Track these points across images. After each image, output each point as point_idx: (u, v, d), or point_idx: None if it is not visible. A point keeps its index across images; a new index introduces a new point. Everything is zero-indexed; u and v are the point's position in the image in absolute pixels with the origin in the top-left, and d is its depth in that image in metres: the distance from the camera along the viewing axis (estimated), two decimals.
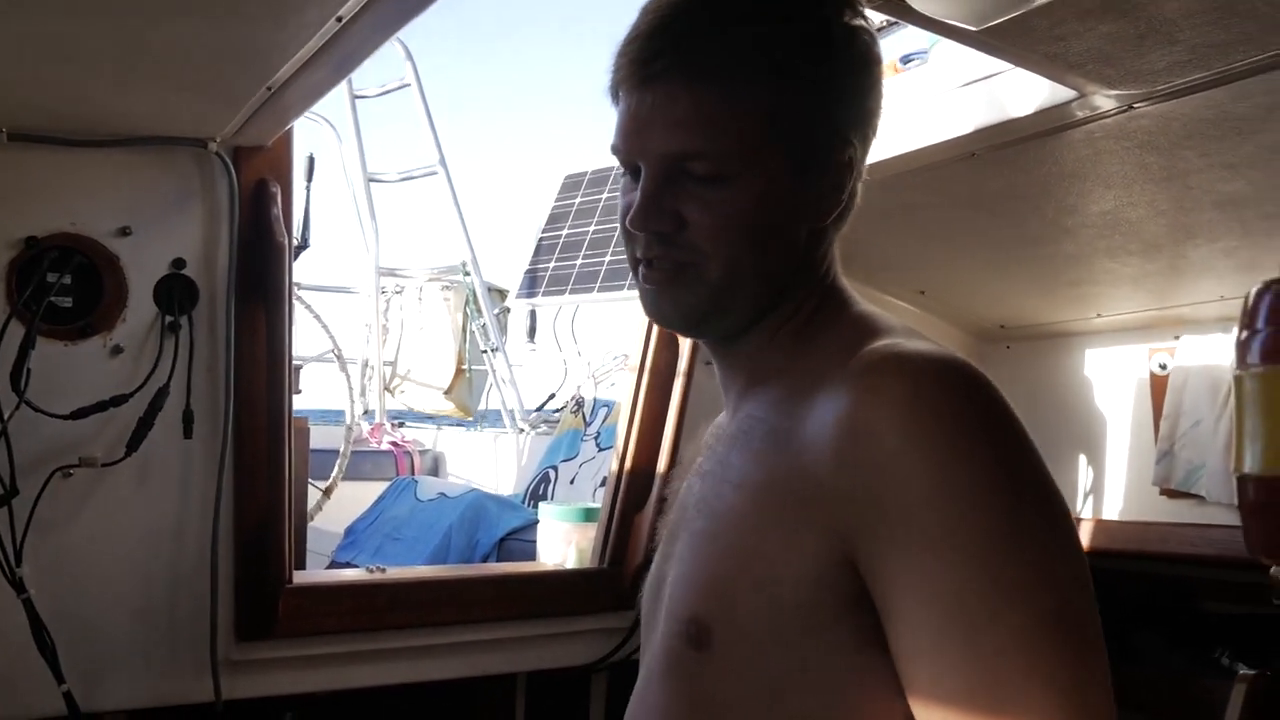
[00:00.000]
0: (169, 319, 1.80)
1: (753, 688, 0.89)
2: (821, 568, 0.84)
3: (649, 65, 0.92)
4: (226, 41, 1.38)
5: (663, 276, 0.97)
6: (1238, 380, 0.50)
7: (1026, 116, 1.61)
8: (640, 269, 0.99)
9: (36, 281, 1.70)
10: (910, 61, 1.91)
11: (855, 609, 0.84)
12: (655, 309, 1.00)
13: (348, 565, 3.92)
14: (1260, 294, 0.48)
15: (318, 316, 4.45)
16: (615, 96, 0.97)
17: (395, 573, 2.17)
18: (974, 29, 1.20)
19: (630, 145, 0.96)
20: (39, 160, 1.71)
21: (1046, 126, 1.64)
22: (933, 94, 1.78)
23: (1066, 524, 0.84)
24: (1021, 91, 1.58)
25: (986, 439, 0.82)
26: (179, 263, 1.82)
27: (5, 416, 1.64)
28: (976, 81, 1.69)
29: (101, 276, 1.76)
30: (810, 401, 0.89)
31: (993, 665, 0.77)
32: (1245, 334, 0.50)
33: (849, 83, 0.96)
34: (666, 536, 1.08)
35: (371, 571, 2.14)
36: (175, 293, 1.81)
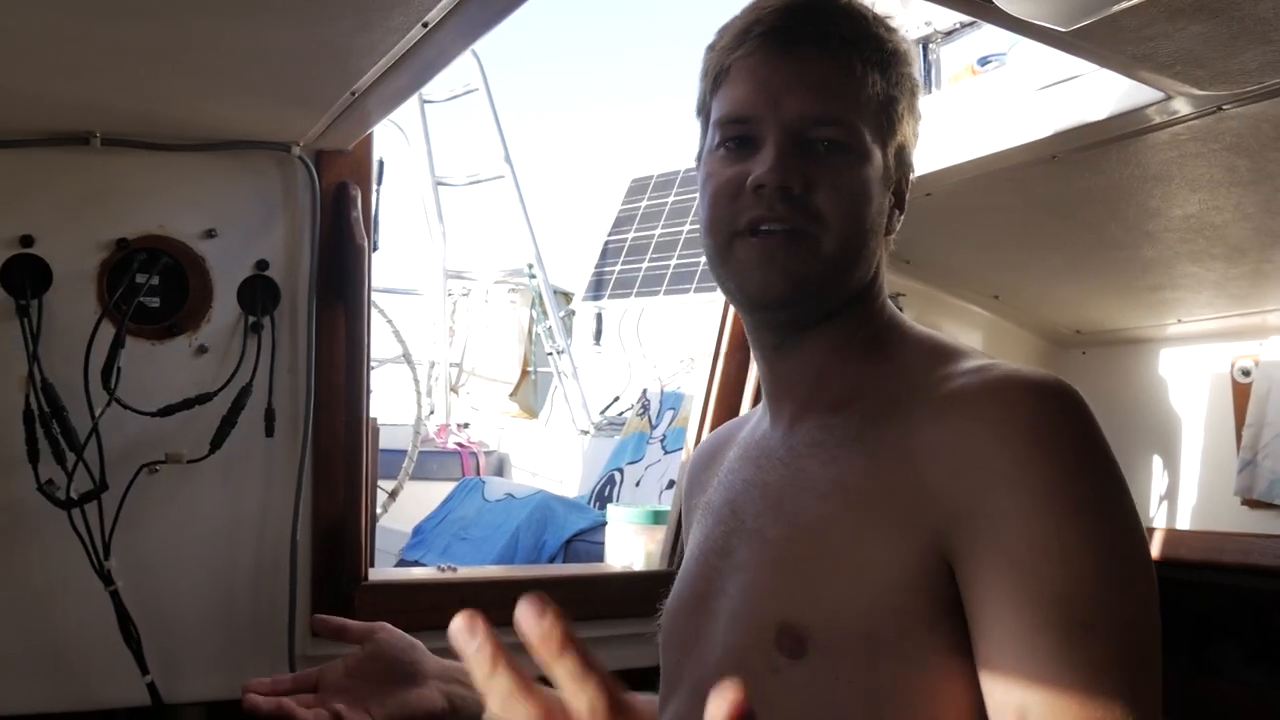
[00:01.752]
0: (252, 319, 1.84)
1: (853, 691, 0.89)
2: (920, 573, 0.87)
3: (789, 34, 0.96)
4: (312, 46, 1.40)
5: (779, 241, 0.96)
6: None
7: (1110, 119, 1.58)
8: (747, 237, 0.97)
9: (126, 283, 1.74)
10: (988, 64, 1.90)
11: (951, 614, 0.86)
12: (762, 276, 0.98)
13: (416, 564, 3.97)
14: None
15: (388, 318, 4.51)
16: (725, 73, 0.99)
17: (466, 572, 2.19)
18: (1063, 29, 1.18)
19: (761, 108, 0.96)
20: (129, 164, 1.76)
21: (1130, 129, 1.61)
22: (1012, 96, 1.76)
23: (1145, 545, 0.89)
24: (1105, 93, 1.56)
25: (1096, 461, 0.88)
26: (262, 264, 1.86)
27: (97, 414, 1.69)
28: (1058, 83, 1.67)
29: (188, 277, 1.81)
30: (904, 416, 0.92)
31: (1082, 677, 0.78)
32: None
33: (919, 107, 1.06)
34: (710, 550, 1.06)
35: (443, 570, 2.17)
36: (258, 293, 1.85)
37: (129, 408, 1.72)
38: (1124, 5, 1.14)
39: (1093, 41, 1.27)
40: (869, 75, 0.97)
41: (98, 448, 1.70)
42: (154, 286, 1.78)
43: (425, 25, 1.28)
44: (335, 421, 1.89)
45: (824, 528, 0.93)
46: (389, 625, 1.38)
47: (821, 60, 0.96)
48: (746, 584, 0.98)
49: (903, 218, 1.06)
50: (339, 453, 1.89)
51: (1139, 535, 0.88)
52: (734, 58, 0.98)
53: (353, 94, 1.56)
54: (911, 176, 1.06)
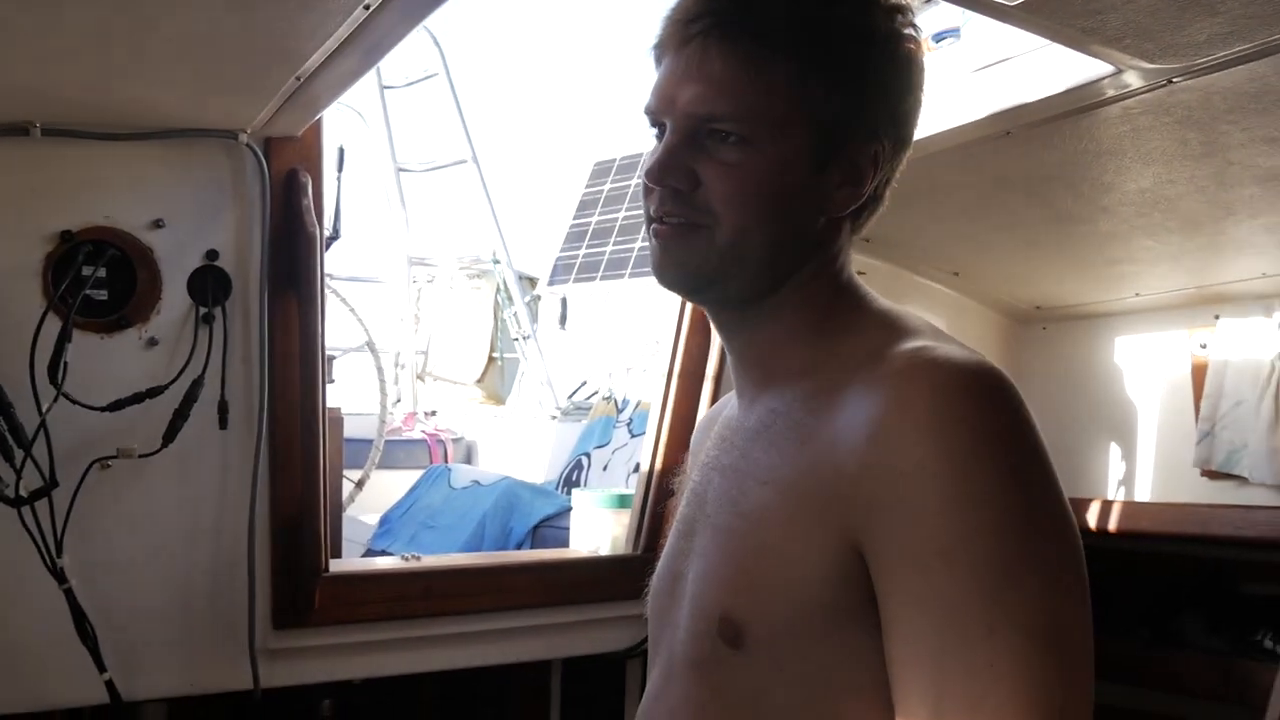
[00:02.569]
0: (203, 310, 1.81)
1: (788, 685, 0.89)
2: (842, 568, 0.85)
3: (688, 26, 0.94)
4: (255, 32, 1.38)
5: (671, 234, 0.97)
6: None
7: (1062, 93, 1.58)
8: (652, 226, 0.98)
9: (72, 275, 1.71)
10: (942, 39, 1.89)
11: (873, 608, 0.84)
12: (659, 268, 0.99)
13: (383, 554, 3.95)
14: None
15: (350, 307, 4.47)
16: (658, 62, 0.99)
17: (430, 561, 2.17)
18: (1010, 4, 1.18)
19: (661, 103, 0.96)
20: (72, 155, 1.72)
21: (1083, 103, 1.61)
22: (965, 72, 1.76)
23: (1073, 542, 0.84)
24: (1057, 68, 1.56)
25: (1006, 454, 0.82)
26: (212, 254, 1.83)
27: (44, 409, 1.66)
28: (1010, 59, 1.66)
29: (136, 269, 1.78)
30: (839, 400, 0.89)
31: (983, 679, 0.77)
32: None
33: (886, 80, 0.96)
34: (681, 531, 1.06)
35: (407, 559, 2.15)
36: (209, 284, 1.82)
37: (77, 403, 1.69)
38: None
39: (1041, 15, 1.27)
40: (776, 63, 0.92)
41: (46, 444, 1.67)
42: (101, 279, 1.75)
43: (367, 7, 1.26)
44: (291, 412, 1.87)
45: (762, 517, 0.92)
46: None
47: (721, 52, 0.92)
48: (701, 571, 0.98)
49: (873, 185, 0.98)
50: (295, 443, 1.87)
51: (1055, 530, 0.82)
52: (657, 43, 0.98)
53: (298, 79, 1.53)
54: (876, 141, 0.96)
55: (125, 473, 1.76)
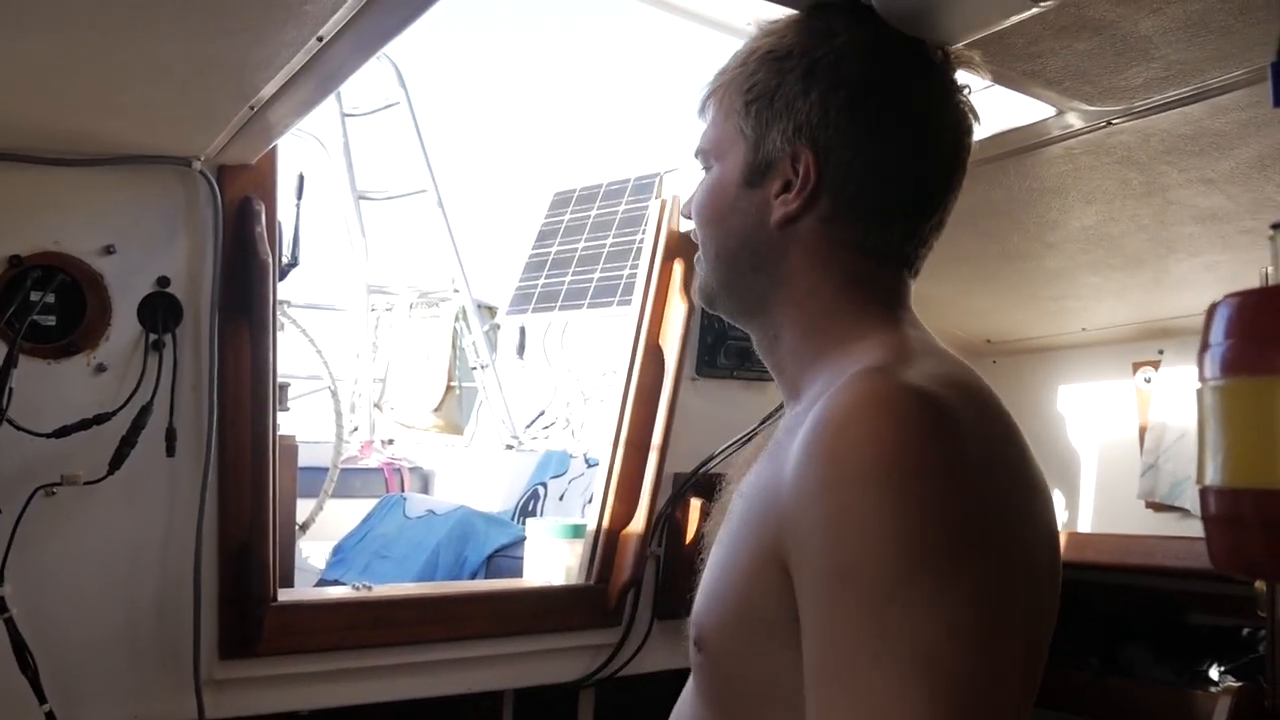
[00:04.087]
0: (153, 337, 1.80)
1: (739, 692, 0.94)
2: (774, 583, 0.87)
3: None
4: (207, 60, 1.38)
5: (695, 259, 1.12)
6: (1199, 394, 0.51)
7: (1005, 133, 1.62)
8: None
9: (20, 300, 1.69)
10: None
11: (797, 626, 0.86)
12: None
13: (335, 583, 3.90)
14: (1217, 308, 0.49)
15: (308, 335, 4.44)
16: None
17: (381, 590, 2.16)
18: (950, 46, 1.20)
19: None
20: (22, 179, 1.71)
21: (1026, 143, 1.65)
22: None
23: (983, 570, 0.81)
24: (1000, 108, 1.59)
25: (903, 481, 0.79)
26: (163, 280, 1.82)
27: None
28: None
29: (85, 295, 1.76)
30: (806, 419, 0.90)
31: (865, 708, 0.77)
32: (1204, 348, 0.51)
33: (798, 92, 1.02)
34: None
35: (357, 589, 2.14)
36: (159, 311, 1.81)
37: (22, 429, 1.67)
38: (1009, 22, 1.17)
39: (984, 57, 1.30)
40: (723, 100, 1.07)
41: None
42: (50, 304, 1.73)
43: (320, 39, 1.27)
44: (241, 440, 1.86)
45: (734, 532, 0.97)
46: None
47: (706, 101, 1.10)
48: (702, 580, 1.03)
49: (810, 190, 1.00)
50: (245, 471, 1.86)
51: (956, 556, 0.80)
52: None
53: (251, 108, 1.54)
54: (796, 146, 1.00)
55: (70, 500, 1.74)
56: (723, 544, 0.99)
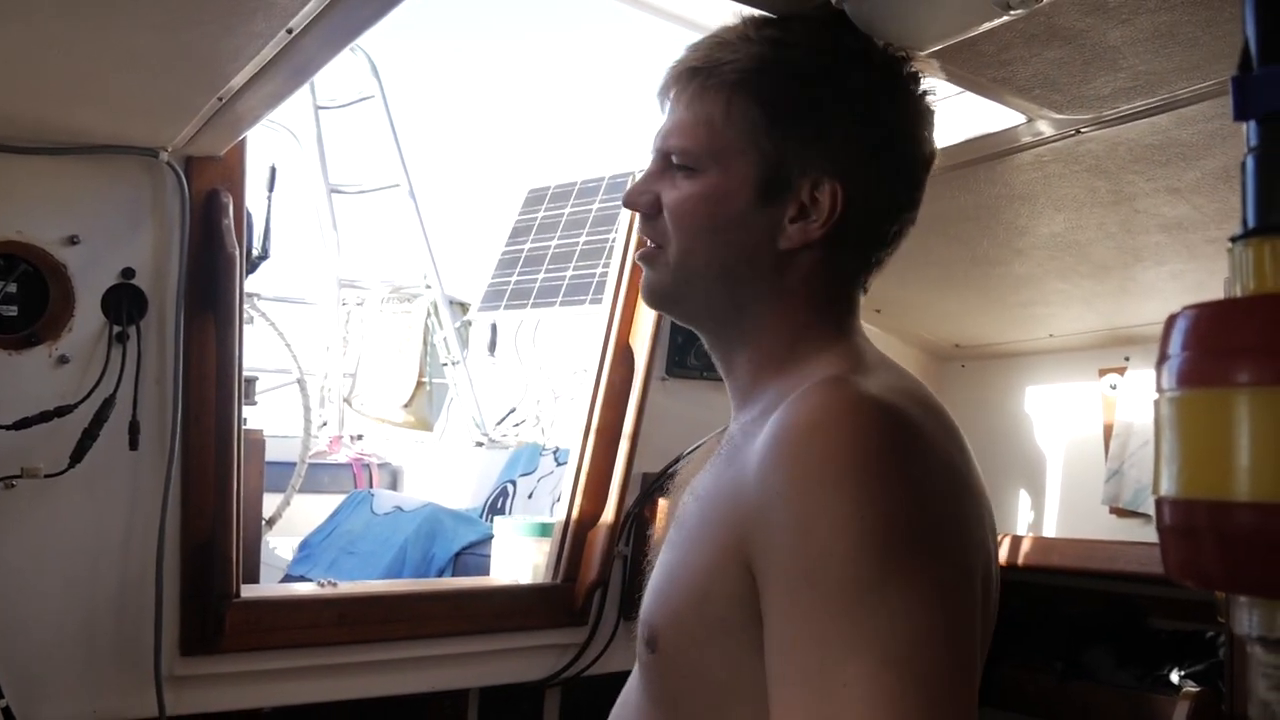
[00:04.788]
0: (117, 329, 1.78)
1: (692, 692, 0.94)
2: (735, 584, 0.88)
3: (668, 76, 1.06)
4: (176, 50, 1.37)
5: (643, 256, 1.08)
6: (1156, 405, 0.52)
7: (975, 139, 1.63)
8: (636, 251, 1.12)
9: None
10: None
11: (759, 627, 0.86)
12: (640, 287, 1.11)
13: (302, 579, 3.88)
14: (1172, 320, 0.49)
15: (277, 329, 4.41)
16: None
17: (346, 587, 2.15)
18: (920, 53, 1.21)
19: (653, 147, 1.08)
20: None
21: (995, 150, 1.66)
22: None
23: (948, 567, 0.84)
24: (970, 115, 1.60)
25: (864, 482, 0.82)
26: (128, 272, 1.80)
27: None
28: None
29: (48, 285, 1.74)
30: (764, 424, 0.92)
31: (837, 703, 0.78)
32: (1161, 359, 0.52)
33: (835, 122, 1.01)
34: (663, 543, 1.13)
35: (322, 585, 2.12)
36: (124, 302, 1.79)
37: None
38: (980, 29, 1.17)
39: (953, 64, 1.30)
40: (717, 98, 1.01)
41: None
42: (11, 294, 1.71)
43: (290, 31, 1.26)
44: (205, 434, 1.84)
45: (688, 533, 0.98)
46: None
47: (679, 94, 1.04)
48: (650, 581, 1.04)
49: (833, 224, 1.00)
50: (209, 466, 1.84)
51: (923, 553, 0.82)
52: (659, 99, 1.10)
53: (220, 99, 1.52)
54: (829, 180, 0.99)
55: (30, 493, 1.72)
56: (675, 545, 1.00)
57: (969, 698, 0.82)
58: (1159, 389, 0.56)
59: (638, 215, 1.09)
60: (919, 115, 1.07)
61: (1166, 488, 0.55)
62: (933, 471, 0.87)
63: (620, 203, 1.11)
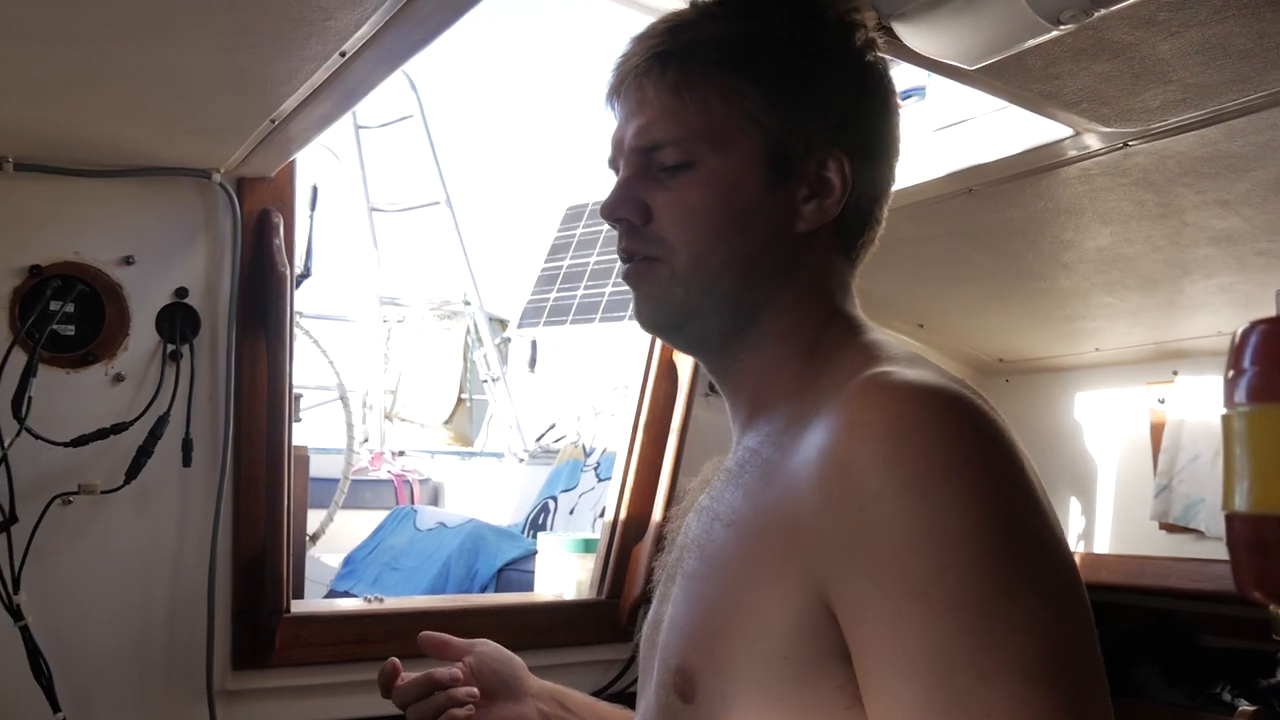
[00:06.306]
0: (170, 347, 1.81)
1: None
2: (805, 618, 0.78)
3: (624, 67, 0.95)
4: (230, 74, 1.39)
5: (633, 271, 0.95)
6: (1226, 420, 0.51)
7: (1022, 153, 1.62)
8: (623, 265, 0.97)
9: (39, 310, 1.70)
10: (909, 98, 1.93)
11: (842, 663, 0.77)
12: (635, 310, 0.97)
13: (346, 594, 3.92)
14: (1246, 334, 0.49)
15: (320, 345, 4.46)
16: (615, 113, 0.99)
17: (393, 603, 2.16)
18: (969, 68, 1.21)
19: (614, 149, 0.97)
20: (44, 190, 1.73)
21: (1042, 163, 1.65)
22: (930, 130, 1.80)
23: (1064, 568, 0.76)
24: (1017, 128, 1.60)
25: (975, 479, 0.73)
26: (181, 291, 1.83)
27: (6, 444, 1.65)
28: (972, 119, 1.71)
29: (104, 305, 1.78)
30: (803, 433, 0.83)
31: None
32: (1232, 373, 0.51)
33: (832, 90, 0.94)
34: (665, 577, 1.02)
35: (369, 601, 2.14)
36: (177, 321, 1.82)
37: (40, 437, 1.68)
38: (1028, 45, 1.17)
39: (1001, 79, 1.30)
40: (704, 78, 0.92)
41: (7, 478, 1.66)
42: (69, 314, 1.75)
43: (343, 54, 1.28)
44: (256, 451, 1.87)
45: (724, 563, 0.87)
46: (490, 641, 1.28)
47: (653, 82, 0.93)
48: (670, 619, 0.93)
49: (846, 199, 0.93)
50: (260, 482, 1.86)
51: (1040, 551, 0.74)
52: (608, 101, 0.99)
53: (272, 121, 1.55)
54: (836, 151, 0.93)
55: (86, 509, 1.75)
56: (700, 578, 0.90)
57: (1108, 700, 0.75)
58: (1229, 404, 0.56)
59: (618, 229, 0.96)
60: (889, 80, 0.99)
61: (1238, 503, 0.54)
62: (1024, 458, 0.78)
63: (603, 216, 0.96)
